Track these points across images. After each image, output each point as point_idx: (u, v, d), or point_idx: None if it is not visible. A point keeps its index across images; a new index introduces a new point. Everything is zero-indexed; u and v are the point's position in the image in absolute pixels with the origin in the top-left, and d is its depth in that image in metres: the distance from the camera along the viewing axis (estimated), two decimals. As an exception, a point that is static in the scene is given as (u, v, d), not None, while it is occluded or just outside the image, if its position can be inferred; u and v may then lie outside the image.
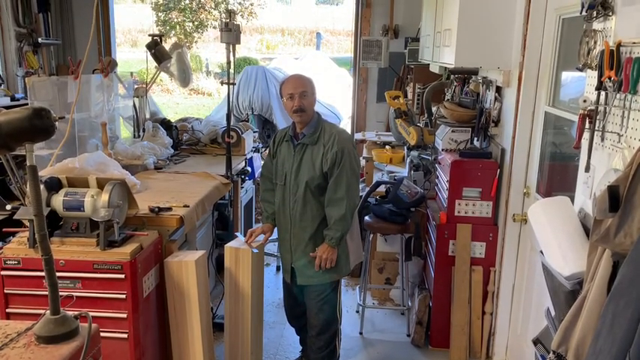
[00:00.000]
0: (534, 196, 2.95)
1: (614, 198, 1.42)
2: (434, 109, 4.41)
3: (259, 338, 3.11)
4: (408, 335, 3.67)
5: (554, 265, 1.91)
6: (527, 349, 2.97)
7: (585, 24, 1.95)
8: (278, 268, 4.71)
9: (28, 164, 1.45)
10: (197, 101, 16.29)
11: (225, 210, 4.03)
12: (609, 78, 1.70)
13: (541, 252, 2.07)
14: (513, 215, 3.10)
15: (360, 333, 3.69)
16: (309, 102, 2.83)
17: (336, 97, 9.97)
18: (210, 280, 3.93)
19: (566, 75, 2.73)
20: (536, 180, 2.95)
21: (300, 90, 2.81)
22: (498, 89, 3.34)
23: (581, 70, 1.95)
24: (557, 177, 2.88)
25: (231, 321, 2.94)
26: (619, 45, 1.68)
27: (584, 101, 1.87)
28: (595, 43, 1.84)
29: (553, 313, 2.06)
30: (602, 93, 1.77)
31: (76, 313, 1.50)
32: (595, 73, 1.83)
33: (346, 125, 9.19)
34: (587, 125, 1.86)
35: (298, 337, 3.30)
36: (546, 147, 2.90)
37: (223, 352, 3.01)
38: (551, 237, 1.95)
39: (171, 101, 15.90)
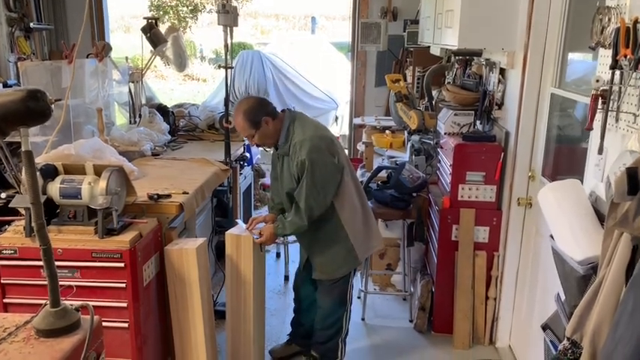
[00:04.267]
0: (540, 180, 2.91)
1: (633, 181, 1.37)
2: (434, 92, 4.34)
3: (261, 326, 3.07)
4: (411, 321, 3.64)
5: (566, 249, 1.86)
6: (531, 334, 2.94)
7: (598, 0, 1.88)
8: (278, 255, 4.67)
9: (23, 149, 1.39)
10: (192, 87, 16.13)
11: (224, 197, 3.97)
12: (625, 56, 1.65)
13: (551, 236, 2.03)
14: (518, 199, 3.05)
15: (362, 319, 3.66)
16: (261, 135, 2.71)
17: (333, 81, 9.87)
18: (210, 267, 3.87)
19: (573, 55, 2.67)
20: (541, 163, 2.90)
21: (244, 135, 2.79)
22: (502, 71, 3.27)
23: (593, 48, 1.89)
24: (564, 160, 2.83)
25: (233, 309, 2.90)
26: (636, 22, 1.62)
27: (597, 81, 1.81)
28: (609, 20, 1.78)
29: (563, 298, 2.03)
30: (617, 72, 1.71)
31: (76, 304, 1.44)
32: (609, 52, 1.77)
33: (344, 110, 9.12)
34: (600, 106, 1.81)
35: (292, 318, 3.27)
36: (552, 129, 2.85)
37: (225, 339, 2.98)
38: (562, 221, 1.90)
39: (166, 87, 15.73)
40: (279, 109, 2.80)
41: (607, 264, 1.51)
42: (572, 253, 1.82)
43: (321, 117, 9.10)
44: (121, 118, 4.76)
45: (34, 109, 1.36)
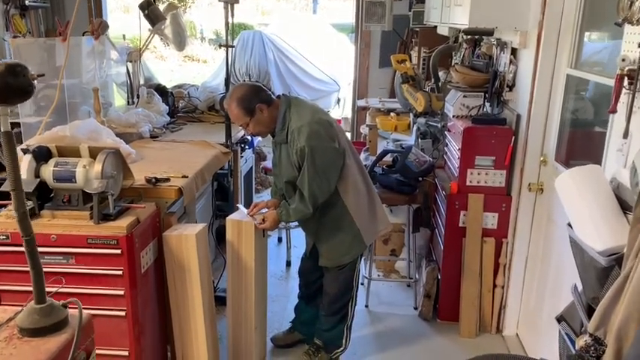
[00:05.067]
0: (552, 165, 2.80)
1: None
2: (441, 73, 4.22)
3: (263, 312, 2.99)
4: (415, 308, 3.56)
5: (586, 239, 1.76)
6: (541, 324, 2.86)
7: (626, -26, 1.75)
8: (280, 240, 4.59)
9: (2, 130, 1.27)
10: (192, 68, 15.92)
11: (224, 180, 3.87)
12: (656, 33, 1.53)
13: (569, 225, 1.92)
14: (529, 184, 2.95)
15: (366, 306, 3.58)
16: (255, 123, 2.61)
17: (335, 63, 9.71)
18: (211, 252, 3.79)
19: (591, 34, 2.55)
20: (554, 147, 2.79)
21: (238, 124, 2.69)
22: (514, 51, 3.15)
23: (620, 25, 1.77)
24: (579, 144, 2.72)
25: (234, 295, 2.81)
26: (669, -5, 1.50)
27: (623, 60, 1.69)
28: (638, -6, 1.66)
29: (580, 289, 1.93)
30: (646, 50, 1.60)
31: (64, 301, 1.34)
32: (637, 29, 1.66)
33: (347, 92, 8.98)
34: (626, 87, 1.69)
35: (296, 303, 3.19)
36: (566, 112, 2.73)
37: (226, 326, 2.90)
38: (581, 209, 1.80)
39: (166, 68, 15.53)
40: (278, 93, 2.69)
41: (635, 255, 1.42)
42: (592, 243, 1.72)
43: (323, 99, 8.98)
44: (119, 99, 4.63)
45: (14, 85, 1.24)
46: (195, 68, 15.97)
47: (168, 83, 4.98)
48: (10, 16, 5.41)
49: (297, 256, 4.31)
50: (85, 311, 1.33)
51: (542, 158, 2.90)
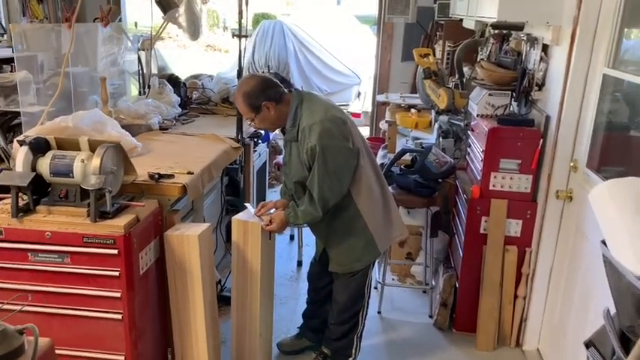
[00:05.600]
0: (583, 171, 2.60)
1: None
2: (465, 69, 4.01)
3: (269, 318, 2.84)
4: (430, 316, 3.39)
5: (623, 261, 1.57)
6: (565, 342, 2.68)
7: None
8: (292, 237, 4.44)
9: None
10: (214, 58, 15.82)
11: (235, 175, 3.73)
12: None
13: (603, 243, 1.73)
14: (557, 191, 2.75)
15: (379, 312, 3.42)
16: (261, 120, 2.47)
17: (356, 55, 9.49)
18: (219, 249, 3.67)
19: (632, 31, 2.33)
20: (586, 153, 2.58)
21: (245, 118, 2.55)
22: (545, 48, 2.94)
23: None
24: (615, 150, 2.51)
25: (239, 300, 2.67)
26: None
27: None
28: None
29: (613, 312, 1.75)
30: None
31: (20, 326, 1.19)
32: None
33: (367, 86, 8.77)
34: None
35: (304, 309, 3.04)
36: (601, 115, 2.52)
37: (230, 328, 2.75)
38: (619, 226, 1.60)
39: (188, 57, 15.46)
40: (297, 85, 2.52)
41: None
42: (631, 267, 1.53)
43: (343, 92, 8.80)
44: (135, 89, 4.52)
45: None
46: (217, 58, 15.87)
47: (190, 72, 4.84)
48: (28, 1, 5.32)
49: (309, 255, 4.14)
50: (43, 338, 1.17)
51: (572, 164, 2.69)
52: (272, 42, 7.99)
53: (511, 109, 3.12)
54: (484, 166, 2.95)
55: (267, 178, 4.75)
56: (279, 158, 5.56)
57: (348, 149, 2.40)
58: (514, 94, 3.11)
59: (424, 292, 3.64)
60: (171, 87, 3.86)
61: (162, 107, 3.59)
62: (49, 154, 2.26)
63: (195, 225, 2.53)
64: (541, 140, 2.85)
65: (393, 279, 3.80)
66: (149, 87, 3.82)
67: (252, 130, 3.65)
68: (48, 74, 3.31)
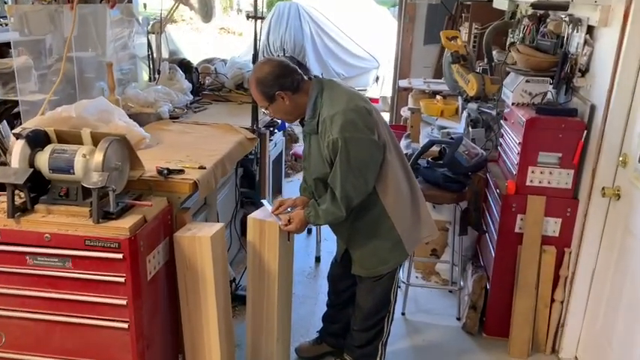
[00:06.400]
0: (635, 167, 2.35)
1: None
2: (494, 53, 3.74)
3: (287, 322, 2.65)
4: (458, 319, 3.17)
5: None
6: (610, 351, 2.45)
7: None
8: (309, 232, 4.22)
9: None
10: (229, 41, 15.54)
11: (251, 166, 3.53)
12: None
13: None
14: (603, 188, 2.50)
15: (403, 314, 3.21)
16: (275, 110, 2.26)
17: (375, 38, 9.19)
18: (234, 244, 3.49)
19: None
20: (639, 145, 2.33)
21: (260, 106, 2.34)
22: (590, 30, 2.67)
23: None
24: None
25: (255, 303, 2.48)
26: None
27: None
28: None
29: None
30: None
31: None
32: None
33: (387, 70, 8.49)
34: None
35: (324, 312, 2.84)
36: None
37: (245, 330, 2.56)
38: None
39: (202, 41, 15.20)
40: (313, 71, 2.29)
41: None
42: None
43: (361, 76, 8.53)
44: (147, 75, 4.31)
45: None
46: (232, 41, 15.59)
47: (204, 57, 4.62)
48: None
49: (327, 251, 3.96)
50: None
51: (621, 158, 2.44)
52: (287, 24, 7.73)
53: (551, 97, 2.86)
54: (521, 160, 2.71)
55: (284, 167, 4.54)
56: (296, 148, 5.35)
57: (373, 142, 2.17)
58: (552, 80, 2.85)
59: (450, 291, 3.42)
60: (182, 72, 3.65)
61: (173, 94, 3.39)
62: (49, 149, 2.07)
63: (207, 225, 2.33)
64: (585, 132, 2.60)
65: (416, 277, 3.58)
66: (159, 73, 3.62)
67: (268, 118, 3.44)
68: (54, 59, 3.11)
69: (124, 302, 2.02)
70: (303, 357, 2.81)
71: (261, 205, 2.53)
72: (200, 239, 2.17)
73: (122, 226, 1.96)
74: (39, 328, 2.11)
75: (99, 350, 2.10)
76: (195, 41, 14.78)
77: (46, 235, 1.98)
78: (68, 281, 2.03)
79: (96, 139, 2.09)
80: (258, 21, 2.90)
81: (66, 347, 2.10)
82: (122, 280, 1.99)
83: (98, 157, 1.99)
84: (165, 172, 2.29)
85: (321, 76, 2.36)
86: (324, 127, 2.15)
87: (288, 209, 2.40)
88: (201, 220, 2.76)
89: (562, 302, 2.82)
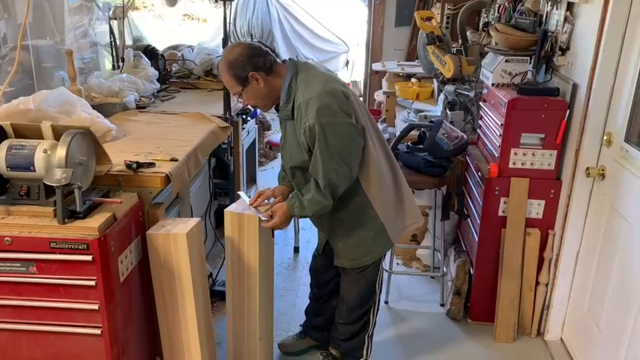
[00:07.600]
0: (620, 146, 2.31)
1: None
2: (469, 34, 3.68)
3: (269, 319, 2.53)
4: (442, 305, 3.13)
5: None
6: (597, 332, 2.43)
7: None
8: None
9: None
10: (192, 28, 15.17)
11: (224, 155, 3.39)
12: None
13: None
14: (587, 168, 2.46)
15: (386, 302, 3.14)
16: (249, 94, 2.12)
17: (343, 22, 9.05)
18: (209, 238, 3.36)
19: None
20: (625, 124, 2.28)
21: (232, 93, 2.17)
22: (570, 7, 2.61)
23: None
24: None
25: (235, 302, 2.37)
26: None
27: None
28: None
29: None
30: None
31: None
32: None
33: (356, 54, 8.37)
34: None
35: (307, 305, 2.75)
36: (642, 82, 2.22)
37: (226, 327, 2.45)
38: None
39: (165, 28, 14.79)
40: (283, 56, 2.16)
41: None
42: None
43: (331, 61, 8.40)
44: (110, 64, 4.10)
45: None
46: (196, 28, 15.21)
47: (167, 44, 4.42)
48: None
49: (306, 241, 3.87)
50: None
51: (605, 137, 2.40)
52: (255, 8, 7.54)
53: (529, 77, 2.80)
54: (503, 142, 2.65)
55: (257, 156, 4.41)
56: (270, 136, 5.21)
57: (352, 126, 2.06)
58: (532, 59, 2.79)
59: (432, 277, 3.37)
60: (147, 60, 3.47)
61: (139, 83, 3.21)
62: (5, 144, 1.91)
63: (182, 220, 2.19)
64: (567, 111, 2.55)
65: (397, 263, 3.52)
66: (123, 60, 3.43)
67: (240, 105, 3.30)
68: (9, 48, 2.90)
69: (95, 307, 1.88)
70: (287, 352, 2.71)
71: (238, 197, 2.41)
72: (175, 236, 2.04)
73: (90, 226, 1.82)
74: (3, 339, 1.96)
75: (71, 359, 1.97)
76: (158, 28, 14.37)
77: (7, 238, 1.82)
78: (33, 287, 1.88)
79: (57, 133, 1.94)
80: (227, 3, 2.75)
81: (34, 357, 1.96)
82: (92, 283, 1.85)
83: (61, 152, 1.84)
84: (135, 165, 2.14)
85: (295, 59, 2.23)
86: (300, 112, 2.04)
87: (267, 200, 2.28)
88: (174, 215, 2.63)
89: (547, 285, 2.79)
